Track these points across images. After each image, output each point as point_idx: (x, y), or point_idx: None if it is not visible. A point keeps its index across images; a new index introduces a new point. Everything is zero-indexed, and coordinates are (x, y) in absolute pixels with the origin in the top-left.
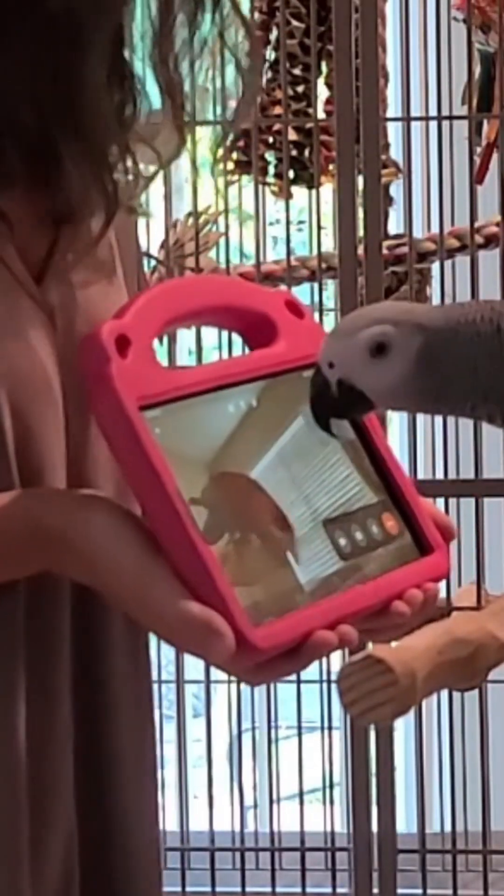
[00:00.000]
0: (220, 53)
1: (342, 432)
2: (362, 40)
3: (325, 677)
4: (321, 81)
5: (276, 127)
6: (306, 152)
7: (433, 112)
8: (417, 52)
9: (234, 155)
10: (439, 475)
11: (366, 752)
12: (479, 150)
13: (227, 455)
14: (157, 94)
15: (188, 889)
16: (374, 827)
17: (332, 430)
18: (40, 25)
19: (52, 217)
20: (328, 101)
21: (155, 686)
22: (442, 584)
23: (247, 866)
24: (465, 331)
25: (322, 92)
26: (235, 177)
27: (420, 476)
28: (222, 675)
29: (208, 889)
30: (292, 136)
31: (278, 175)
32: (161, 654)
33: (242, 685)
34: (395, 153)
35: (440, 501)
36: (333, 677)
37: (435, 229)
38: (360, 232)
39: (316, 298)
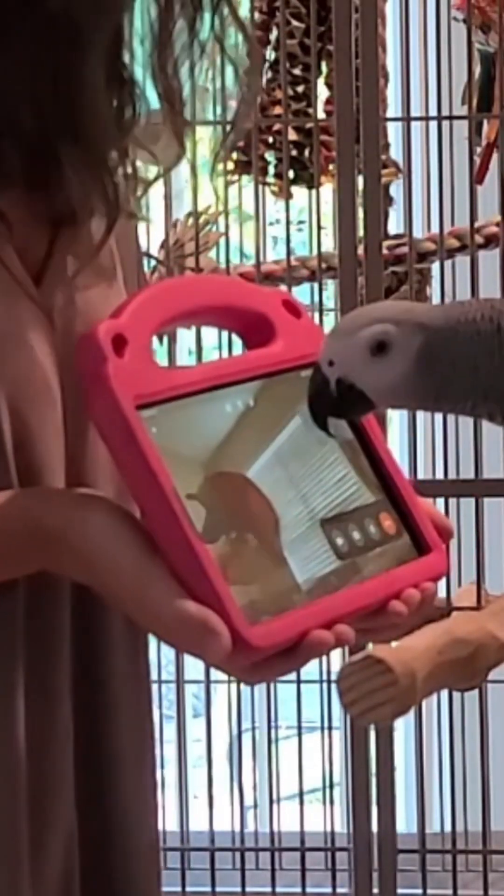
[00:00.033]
0: (219, 55)
1: (340, 432)
2: (362, 40)
3: (325, 677)
4: (321, 81)
5: (276, 127)
6: (306, 152)
7: (433, 112)
8: (417, 52)
9: (234, 155)
10: (439, 475)
11: (366, 752)
12: (479, 150)
13: (224, 454)
14: (156, 98)
15: (188, 889)
16: (374, 827)
17: (330, 429)
18: (40, 25)
19: (51, 219)
20: (328, 101)
21: (155, 686)
22: (442, 584)
23: (247, 866)
24: (466, 329)
25: (322, 92)
26: (235, 177)
27: (420, 476)
28: (222, 675)
29: (208, 889)
30: (292, 136)
31: (278, 175)
32: (161, 654)
33: (242, 685)
34: (395, 153)
35: (440, 501)
36: (333, 677)
37: (435, 229)
38: (360, 232)
39: (316, 298)
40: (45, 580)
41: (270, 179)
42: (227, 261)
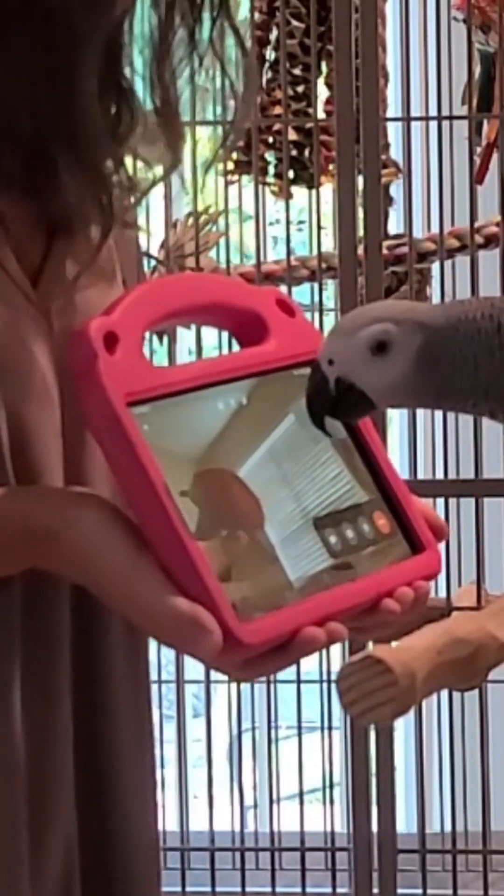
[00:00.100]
0: (219, 56)
1: (334, 431)
2: (362, 40)
3: (325, 677)
4: (321, 81)
5: (276, 127)
6: (306, 152)
7: (433, 112)
8: (417, 52)
9: (234, 155)
10: (439, 475)
11: (366, 752)
12: (479, 150)
13: (216, 452)
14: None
15: (188, 889)
16: (374, 827)
17: (327, 428)
18: (38, 26)
19: (48, 222)
20: (328, 101)
21: (155, 686)
22: (442, 584)
23: (247, 866)
24: (466, 328)
25: (322, 92)
26: (235, 177)
27: (420, 476)
28: (222, 676)
29: (208, 889)
30: (292, 136)
31: (278, 175)
32: (161, 654)
33: (243, 685)
34: (395, 153)
35: (440, 501)
36: (333, 677)
37: (435, 229)
38: (360, 232)
39: (316, 298)
40: (43, 580)
41: (270, 179)
42: (227, 261)
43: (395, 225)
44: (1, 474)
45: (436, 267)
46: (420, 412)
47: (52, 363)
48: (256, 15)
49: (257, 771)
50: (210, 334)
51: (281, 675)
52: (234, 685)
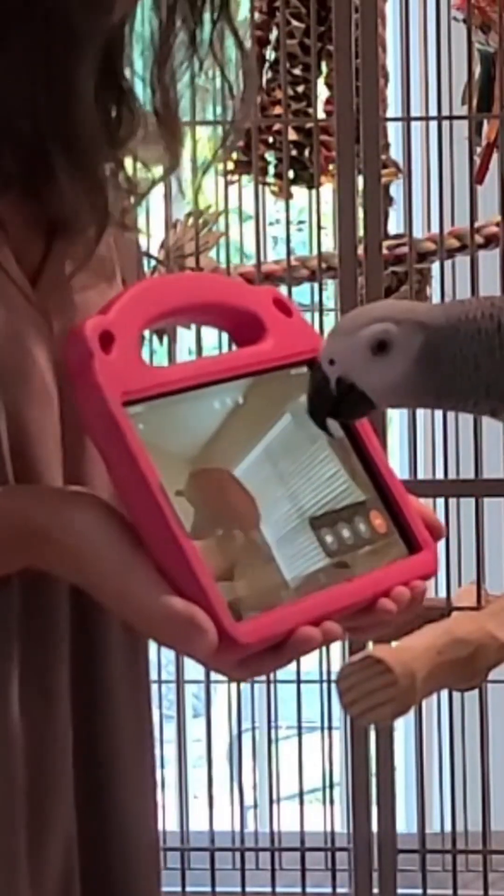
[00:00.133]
0: (218, 57)
1: (335, 431)
2: (362, 40)
3: (325, 677)
4: (321, 81)
5: (276, 127)
6: (306, 152)
7: (433, 112)
8: (417, 52)
9: (234, 155)
10: (439, 475)
11: (366, 752)
12: (479, 150)
13: (212, 452)
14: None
15: (188, 889)
16: (374, 827)
17: (329, 428)
18: (38, 26)
19: (46, 223)
20: (328, 101)
21: (155, 686)
22: (442, 584)
23: (247, 866)
24: (467, 328)
25: (322, 92)
26: (235, 177)
27: (420, 476)
28: (223, 676)
29: (208, 889)
30: (292, 136)
31: (278, 175)
32: (161, 654)
33: (243, 685)
34: (395, 153)
35: (440, 501)
36: (333, 677)
37: (435, 229)
38: (360, 232)
39: (316, 298)
40: (42, 579)
41: (270, 179)
42: (228, 261)
43: (395, 225)
44: (0, 474)
45: (436, 267)
46: (420, 412)
47: (51, 363)
48: (256, 15)
49: (257, 771)
50: (210, 334)
51: (281, 675)
52: (234, 685)
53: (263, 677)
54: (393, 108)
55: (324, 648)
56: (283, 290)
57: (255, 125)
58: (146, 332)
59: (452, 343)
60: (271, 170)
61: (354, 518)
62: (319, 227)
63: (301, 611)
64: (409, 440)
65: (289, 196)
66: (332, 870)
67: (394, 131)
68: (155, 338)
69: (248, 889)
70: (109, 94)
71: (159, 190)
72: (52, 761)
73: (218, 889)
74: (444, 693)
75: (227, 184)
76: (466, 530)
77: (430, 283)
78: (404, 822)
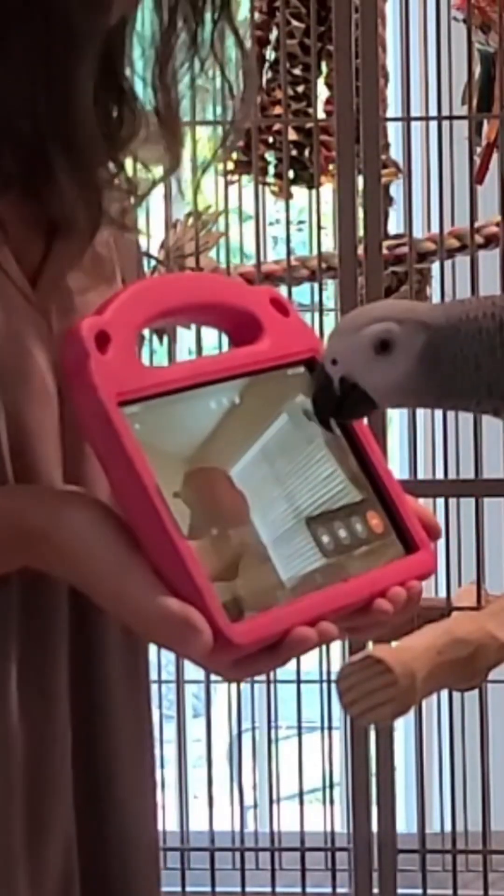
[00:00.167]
0: (219, 57)
1: (334, 428)
2: (362, 40)
3: (325, 677)
4: (321, 81)
5: (276, 127)
6: (306, 152)
7: (433, 112)
8: (417, 52)
9: (234, 155)
10: (439, 475)
11: (366, 752)
12: (479, 150)
13: (208, 451)
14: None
15: (188, 889)
16: (374, 827)
17: (332, 427)
18: (38, 26)
19: (47, 223)
20: (328, 101)
21: (155, 686)
22: (442, 584)
23: (247, 866)
24: (468, 328)
25: (322, 92)
26: (235, 177)
27: (420, 476)
28: (218, 676)
29: (208, 889)
30: (292, 136)
31: (278, 175)
32: (161, 654)
33: (243, 685)
34: (395, 153)
35: (440, 501)
36: (333, 677)
37: (435, 229)
38: (360, 232)
39: (316, 298)
40: (41, 579)
41: (270, 179)
42: (228, 261)
43: (395, 225)
44: (0, 474)
45: (436, 267)
46: (420, 412)
47: (50, 364)
48: (256, 15)
49: (257, 771)
50: (210, 334)
51: (281, 675)
52: (234, 685)
53: (263, 677)
54: (393, 108)
55: (324, 648)
56: (283, 290)
57: (255, 125)
58: (146, 332)
59: (454, 343)
60: (271, 170)
61: (351, 518)
62: (319, 227)
63: (297, 611)
64: (409, 440)
65: (289, 196)
66: (332, 870)
67: (394, 131)
68: (155, 338)
69: (248, 889)
70: (110, 94)
71: (159, 190)
72: (52, 762)
73: (218, 889)
74: (444, 693)
75: (227, 184)
76: (466, 530)
77: (430, 283)
78: (404, 822)
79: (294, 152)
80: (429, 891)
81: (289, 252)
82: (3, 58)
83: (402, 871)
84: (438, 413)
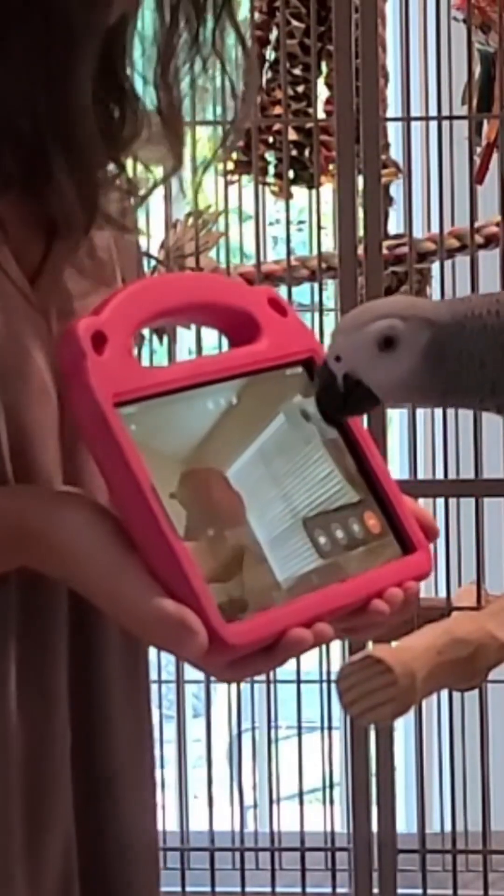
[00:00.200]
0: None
1: (323, 429)
2: (362, 40)
3: (325, 677)
4: (321, 81)
5: (276, 127)
6: (306, 152)
7: (433, 112)
8: (417, 52)
9: (234, 155)
10: (439, 475)
11: (366, 752)
12: (479, 150)
13: (205, 452)
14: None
15: (188, 889)
16: (374, 827)
17: (337, 423)
18: (38, 26)
19: (46, 223)
20: (328, 101)
21: (155, 686)
22: (442, 584)
23: (247, 866)
24: (472, 325)
25: (322, 92)
26: (235, 177)
27: (420, 476)
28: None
29: (208, 889)
30: (292, 136)
31: (278, 175)
32: (161, 655)
33: (243, 685)
34: (395, 153)
35: (440, 501)
36: (333, 677)
37: (435, 229)
38: (360, 232)
39: (316, 298)
40: (41, 579)
41: (270, 179)
42: (227, 261)
43: (395, 225)
44: (0, 474)
45: (436, 267)
46: (420, 412)
47: (50, 364)
48: (256, 15)
49: (257, 771)
50: (210, 334)
51: (281, 675)
52: (234, 685)
53: (263, 677)
54: (393, 108)
55: (323, 648)
56: (283, 290)
57: (255, 125)
58: (146, 332)
59: (458, 340)
60: (271, 170)
61: (348, 519)
62: (319, 227)
63: (293, 612)
64: (409, 440)
65: (289, 196)
66: (332, 870)
67: (394, 131)
68: (155, 338)
69: (248, 889)
70: (112, 94)
71: (159, 190)
72: (51, 761)
73: (218, 889)
74: (444, 693)
75: (227, 184)
76: (466, 530)
77: (430, 283)
78: (404, 822)
79: (294, 152)
80: (429, 891)
81: (289, 252)
82: (3, 57)
83: (402, 871)
84: (438, 413)
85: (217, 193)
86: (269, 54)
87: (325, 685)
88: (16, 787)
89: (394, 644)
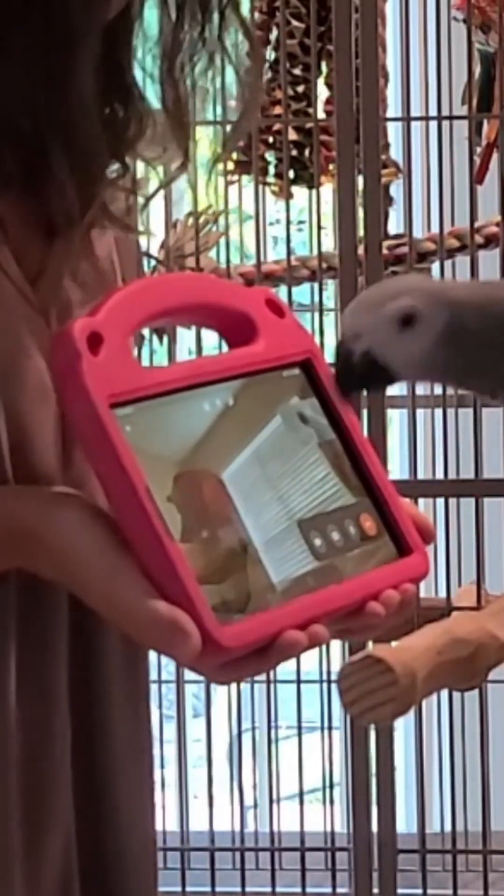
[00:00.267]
0: (230, 55)
1: (320, 430)
2: (362, 40)
3: (325, 677)
4: (321, 81)
5: (276, 127)
6: (306, 152)
7: (433, 112)
8: (417, 52)
9: (235, 155)
10: (439, 475)
11: (366, 752)
12: (479, 150)
13: (201, 454)
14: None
15: (188, 889)
16: (374, 827)
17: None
18: (37, 26)
19: (47, 223)
20: (328, 101)
21: (155, 686)
22: (442, 584)
23: (247, 866)
24: (491, 309)
25: (322, 92)
26: (235, 177)
27: (420, 476)
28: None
29: (208, 889)
30: (292, 136)
31: (278, 175)
32: (161, 655)
33: (243, 685)
34: (395, 153)
35: (440, 501)
36: (333, 677)
37: (435, 229)
38: (360, 232)
39: (316, 298)
40: (40, 579)
41: (270, 179)
42: (228, 261)
43: (395, 225)
44: (0, 474)
45: (436, 267)
46: (420, 412)
47: (49, 364)
48: (256, 15)
49: (257, 771)
50: (210, 334)
51: (281, 675)
52: (234, 685)
53: (263, 677)
54: (393, 108)
55: (323, 648)
56: (283, 290)
57: (255, 125)
58: (146, 332)
59: (477, 321)
60: (271, 170)
61: (344, 521)
62: (319, 227)
63: (287, 614)
64: (409, 440)
65: (289, 196)
66: (332, 870)
67: (394, 131)
68: (155, 338)
69: (248, 889)
70: (116, 94)
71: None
72: (51, 761)
73: (218, 889)
74: (444, 693)
75: (227, 184)
76: (466, 530)
77: None
78: (404, 822)
79: (294, 152)
80: (429, 891)
81: (289, 252)
82: (3, 57)
83: (402, 871)
84: (438, 413)
85: (217, 193)
86: (269, 54)
87: (325, 685)
88: (15, 786)
89: (394, 644)
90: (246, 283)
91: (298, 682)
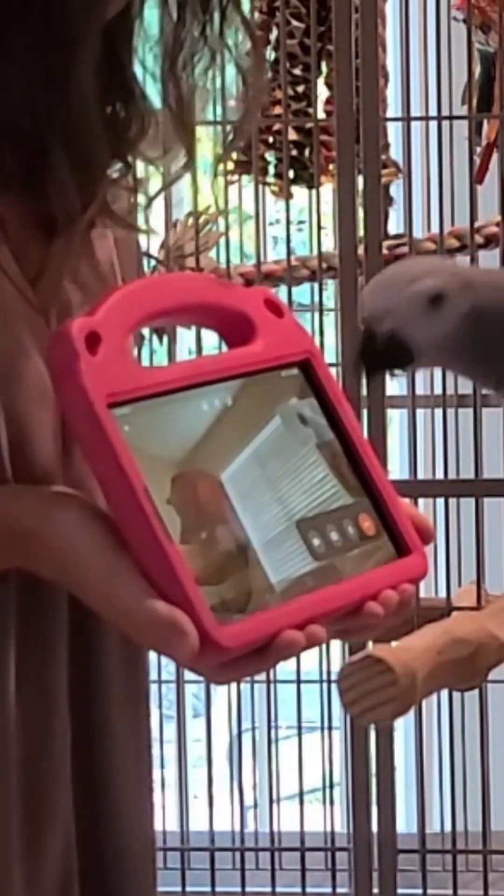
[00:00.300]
0: (233, 54)
1: (319, 431)
2: (362, 40)
3: (325, 677)
4: (321, 81)
5: (276, 127)
6: (306, 152)
7: (433, 112)
8: (417, 52)
9: (235, 155)
10: (439, 475)
11: (366, 752)
12: (479, 150)
13: (199, 454)
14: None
15: (188, 889)
16: (374, 827)
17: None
18: (37, 26)
19: (47, 223)
20: (328, 101)
21: (155, 686)
22: (442, 584)
23: (247, 866)
24: None
25: (322, 92)
26: (235, 177)
27: (420, 476)
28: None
29: (208, 889)
30: (292, 136)
31: (278, 175)
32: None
33: (243, 685)
34: (395, 153)
35: (440, 501)
36: (333, 677)
37: (435, 229)
38: (360, 232)
39: (316, 298)
40: (40, 579)
41: (270, 179)
42: (228, 261)
43: (395, 225)
44: (0, 474)
45: None
46: (420, 412)
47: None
48: (256, 15)
49: (257, 771)
50: (210, 334)
51: (281, 675)
52: (234, 685)
53: (263, 676)
54: (393, 108)
55: (323, 648)
56: (283, 290)
57: (255, 125)
58: (146, 332)
59: (495, 308)
60: (271, 170)
61: (343, 521)
62: (319, 227)
63: (286, 614)
64: (409, 440)
65: (289, 196)
66: (332, 870)
67: (394, 131)
68: (155, 338)
69: (248, 889)
70: (117, 94)
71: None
72: (51, 761)
73: (218, 889)
74: (444, 693)
75: (227, 184)
76: (466, 530)
77: None
78: (404, 822)
79: (294, 152)
80: (429, 891)
81: (289, 252)
82: (3, 57)
83: (402, 871)
84: (438, 413)
85: (217, 193)
86: (269, 54)
87: (325, 685)
88: (15, 787)
89: (394, 644)
90: (246, 283)
91: (298, 682)
